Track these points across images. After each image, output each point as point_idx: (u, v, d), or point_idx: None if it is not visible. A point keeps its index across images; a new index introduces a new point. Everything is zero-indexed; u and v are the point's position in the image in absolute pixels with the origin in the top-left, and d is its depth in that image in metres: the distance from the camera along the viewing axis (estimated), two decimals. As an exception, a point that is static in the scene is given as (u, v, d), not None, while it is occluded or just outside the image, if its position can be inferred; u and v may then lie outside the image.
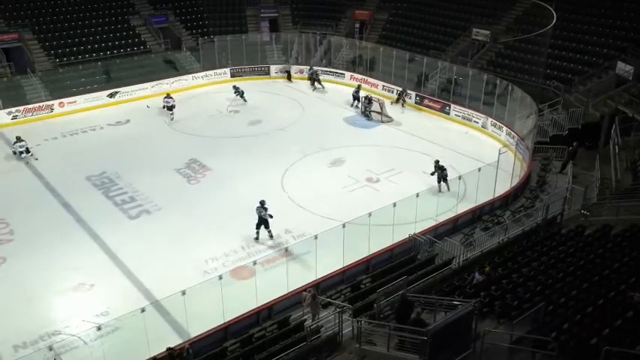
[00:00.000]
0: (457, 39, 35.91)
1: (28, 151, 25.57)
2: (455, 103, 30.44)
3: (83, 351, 14.23)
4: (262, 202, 19.17)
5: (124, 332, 14.51)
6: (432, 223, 19.20)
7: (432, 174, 22.23)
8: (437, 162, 22.51)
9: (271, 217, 19.01)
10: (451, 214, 19.89)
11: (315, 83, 35.29)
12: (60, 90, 32.06)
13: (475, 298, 13.21)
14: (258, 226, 19.32)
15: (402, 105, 31.90)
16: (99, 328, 13.82)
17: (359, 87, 32.67)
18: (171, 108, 30.13)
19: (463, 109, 29.86)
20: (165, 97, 30.56)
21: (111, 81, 33.53)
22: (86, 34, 35.95)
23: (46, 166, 24.99)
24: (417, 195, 18.38)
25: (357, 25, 42.11)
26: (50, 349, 12.96)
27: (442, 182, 22.17)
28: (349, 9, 42.39)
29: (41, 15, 35.82)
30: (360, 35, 41.42)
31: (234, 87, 32.74)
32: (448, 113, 30.63)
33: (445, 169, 22.29)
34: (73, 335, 14.48)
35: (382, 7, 41.73)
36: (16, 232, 19.97)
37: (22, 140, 25.60)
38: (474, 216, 20.06)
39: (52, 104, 31.10)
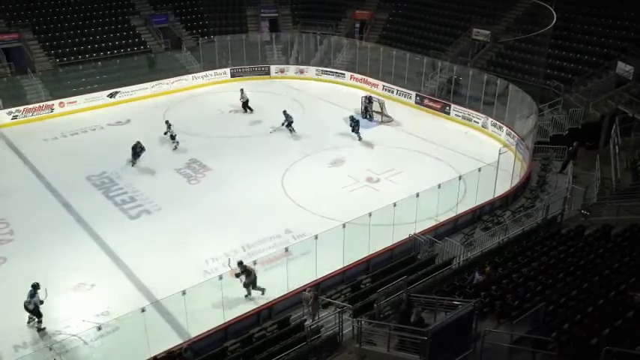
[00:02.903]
0: (457, 39, 35.92)
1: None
2: (455, 103, 30.45)
3: (83, 351, 14.24)
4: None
5: (124, 332, 14.51)
6: (432, 223, 19.21)
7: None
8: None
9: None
10: (451, 214, 19.89)
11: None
12: (60, 90, 32.08)
13: (475, 298, 13.21)
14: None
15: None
16: (99, 328, 13.83)
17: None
18: (173, 137, 26.97)
19: (463, 109, 29.86)
20: (167, 125, 27.43)
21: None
22: (86, 34, 35.96)
23: (46, 166, 24.99)
24: (417, 195, 18.38)
25: (357, 25, 42.12)
26: (50, 349, 12.99)
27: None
28: (349, 9, 42.40)
29: (41, 15, 35.82)
30: (360, 35, 41.42)
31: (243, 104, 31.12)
32: (448, 113, 30.63)
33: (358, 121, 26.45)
34: (74, 335, 14.47)
35: (382, 7, 41.74)
36: (17, 232, 19.97)
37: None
38: (474, 216, 20.07)
39: (53, 104, 31.11)
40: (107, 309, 15.87)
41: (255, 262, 16.25)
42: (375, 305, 14.51)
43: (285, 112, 28.32)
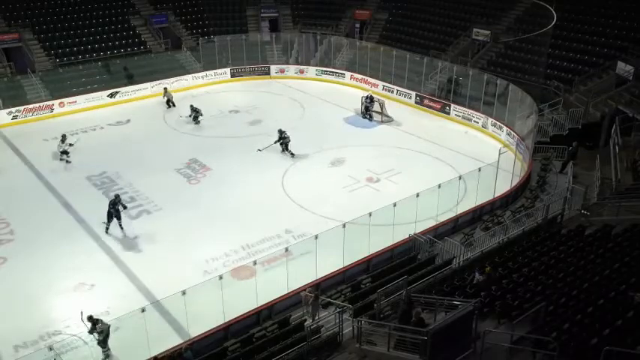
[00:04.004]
0: (457, 39, 35.93)
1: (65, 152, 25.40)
2: (455, 103, 30.45)
3: (83, 351, 14.23)
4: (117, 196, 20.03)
5: (124, 332, 14.51)
6: (432, 223, 19.22)
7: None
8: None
9: (125, 207, 20.23)
10: (451, 214, 19.90)
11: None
12: (60, 90, 32.08)
13: (475, 298, 13.22)
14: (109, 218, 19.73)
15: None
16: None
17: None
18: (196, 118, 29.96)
19: (463, 109, 29.87)
20: (192, 109, 30.13)
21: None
22: (86, 34, 35.97)
23: (46, 165, 25.00)
24: (417, 195, 18.38)
25: (358, 25, 42.15)
26: (50, 349, 12.96)
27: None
28: (349, 9, 42.41)
29: (41, 15, 35.82)
30: (361, 35, 41.46)
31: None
32: (448, 113, 30.63)
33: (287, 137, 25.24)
34: (74, 335, 14.46)
35: (382, 7, 41.75)
36: (17, 232, 19.98)
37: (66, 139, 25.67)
38: (474, 216, 20.07)
39: (53, 104, 31.11)
40: (107, 309, 15.85)
41: (255, 262, 16.23)
42: (375, 305, 14.53)
43: (280, 130, 26.10)
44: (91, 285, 17.16)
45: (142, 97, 33.47)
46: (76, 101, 31.73)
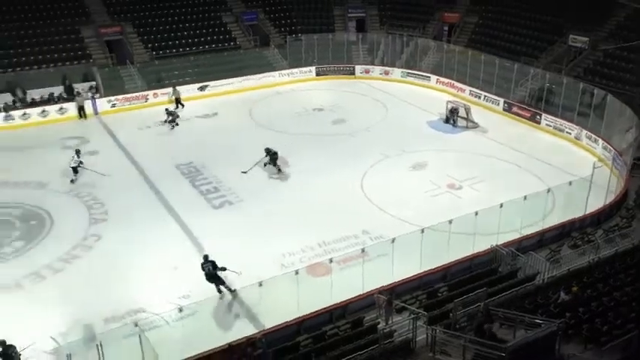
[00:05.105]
0: (552, 45, 34.31)
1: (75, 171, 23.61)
2: (546, 112, 29.11)
3: (165, 330, 14.86)
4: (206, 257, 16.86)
5: (202, 316, 15.04)
6: (515, 236, 18.46)
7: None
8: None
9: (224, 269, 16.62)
10: (537, 228, 19.00)
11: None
12: (155, 81, 33.77)
13: (560, 318, 12.60)
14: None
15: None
16: (180, 310, 14.44)
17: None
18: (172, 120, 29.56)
19: (555, 118, 28.50)
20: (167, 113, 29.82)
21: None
22: (181, 29, 37.62)
23: (140, 152, 26.41)
24: (501, 205, 17.76)
25: (446, 28, 41.23)
26: (136, 325, 13.66)
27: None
28: (438, 11, 41.60)
29: (141, 10, 37.83)
30: (449, 38, 40.53)
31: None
32: (539, 122, 29.34)
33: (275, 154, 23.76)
34: (157, 314, 15.18)
35: (472, 10, 40.61)
36: (110, 213, 21.22)
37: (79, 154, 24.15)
38: (562, 232, 19.04)
39: (147, 94, 32.80)
40: (188, 292, 16.45)
41: (331, 260, 16.32)
42: (451, 314, 14.19)
43: (267, 149, 24.22)
44: (175, 268, 17.87)
45: (229, 92, 34.56)
46: (169, 93, 33.25)
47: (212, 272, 16.39)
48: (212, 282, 16.51)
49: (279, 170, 24.17)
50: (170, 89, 32.87)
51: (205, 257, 16.64)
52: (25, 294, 16.96)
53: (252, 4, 41.00)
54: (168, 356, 13.11)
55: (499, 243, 17.66)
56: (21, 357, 13.54)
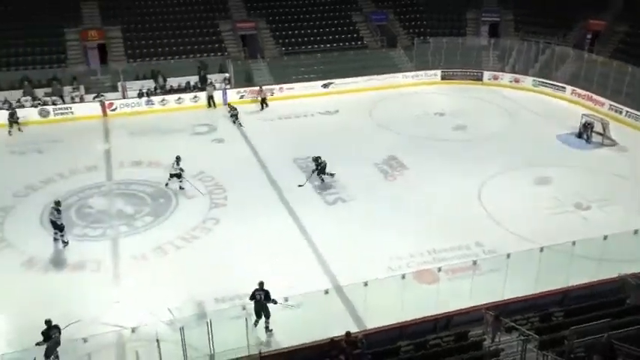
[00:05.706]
0: None
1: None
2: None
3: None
4: None
5: (306, 308, 15.29)
6: (649, 267, 16.72)
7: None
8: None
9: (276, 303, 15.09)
10: (677, 261, 17.08)
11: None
12: (282, 77, 35.01)
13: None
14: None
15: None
16: (286, 299, 14.82)
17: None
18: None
19: None
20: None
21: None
22: (311, 26, 38.67)
23: (261, 143, 27.55)
24: (636, 232, 16.19)
25: (589, 36, 38.22)
26: (243, 308, 14.27)
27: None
28: (582, 18, 38.66)
29: (275, 7, 39.44)
30: (591, 47, 37.54)
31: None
32: (690, 144, 26.33)
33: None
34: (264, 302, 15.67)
35: (622, 18, 37.22)
36: (230, 199, 22.35)
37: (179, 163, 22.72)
38: None
39: (273, 88, 34.09)
40: (293, 284, 16.81)
41: (439, 269, 15.88)
42: (567, 342, 13.18)
43: (315, 158, 23.45)
44: (283, 258, 18.38)
45: (352, 90, 34.86)
46: (293, 88, 34.35)
47: (263, 302, 15.01)
48: (259, 312, 15.12)
49: (323, 181, 23.28)
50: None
51: (260, 284, 15.20)
52: (149, 265, 18.44)
53: (382, 5, 41.04)
54: (270, 343, 13.44)
55: (628, 272, 16.10)
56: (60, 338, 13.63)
